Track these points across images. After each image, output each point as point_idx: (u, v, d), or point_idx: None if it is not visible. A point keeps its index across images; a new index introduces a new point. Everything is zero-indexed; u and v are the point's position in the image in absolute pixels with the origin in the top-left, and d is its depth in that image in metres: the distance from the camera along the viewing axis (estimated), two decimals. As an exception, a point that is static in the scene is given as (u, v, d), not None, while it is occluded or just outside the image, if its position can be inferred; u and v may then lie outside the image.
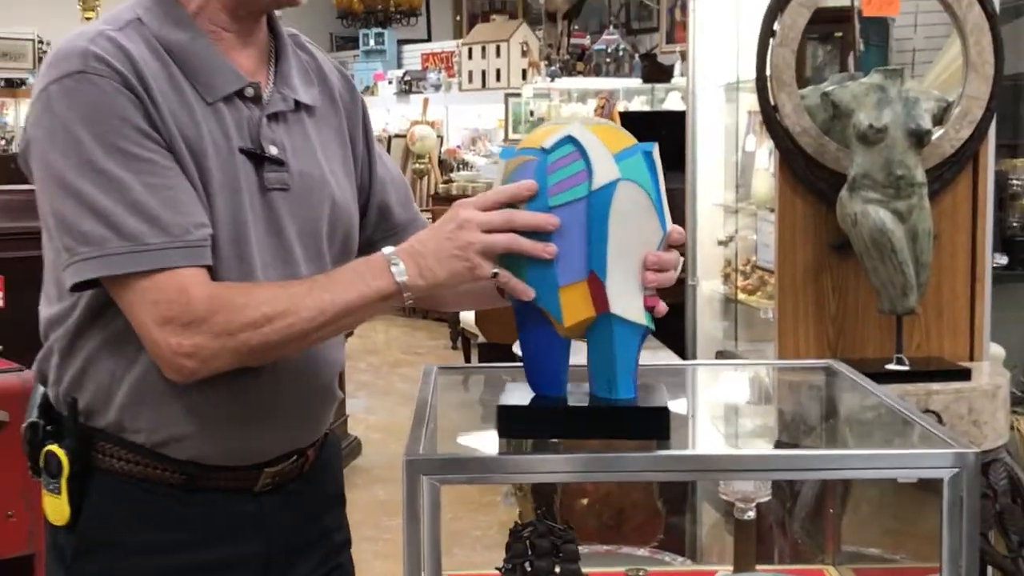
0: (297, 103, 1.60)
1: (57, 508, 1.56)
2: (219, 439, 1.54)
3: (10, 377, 2.89)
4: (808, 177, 2.69)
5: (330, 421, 1.73)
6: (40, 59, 11.84)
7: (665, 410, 1.42)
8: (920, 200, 2.53)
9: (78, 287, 1.46)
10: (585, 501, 2.69)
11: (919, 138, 2.50)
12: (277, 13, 1.65)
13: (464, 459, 1.42)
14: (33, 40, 11.80)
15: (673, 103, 8.92)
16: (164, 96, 1.47)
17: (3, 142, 11.32)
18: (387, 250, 1.46)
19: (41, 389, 1.62)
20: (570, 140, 1.38)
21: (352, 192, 1.69)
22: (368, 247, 1.69)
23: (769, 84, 2.69)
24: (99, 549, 1.57)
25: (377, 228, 1.76)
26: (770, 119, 2.70)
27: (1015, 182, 3.16)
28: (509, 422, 1.44)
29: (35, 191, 1.52)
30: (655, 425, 1.42)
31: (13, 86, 11.43)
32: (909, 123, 2.49)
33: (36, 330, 3.34)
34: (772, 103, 2.69)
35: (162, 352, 1.43)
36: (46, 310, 1.59)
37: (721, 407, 1.82)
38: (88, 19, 6.65)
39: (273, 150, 1.54)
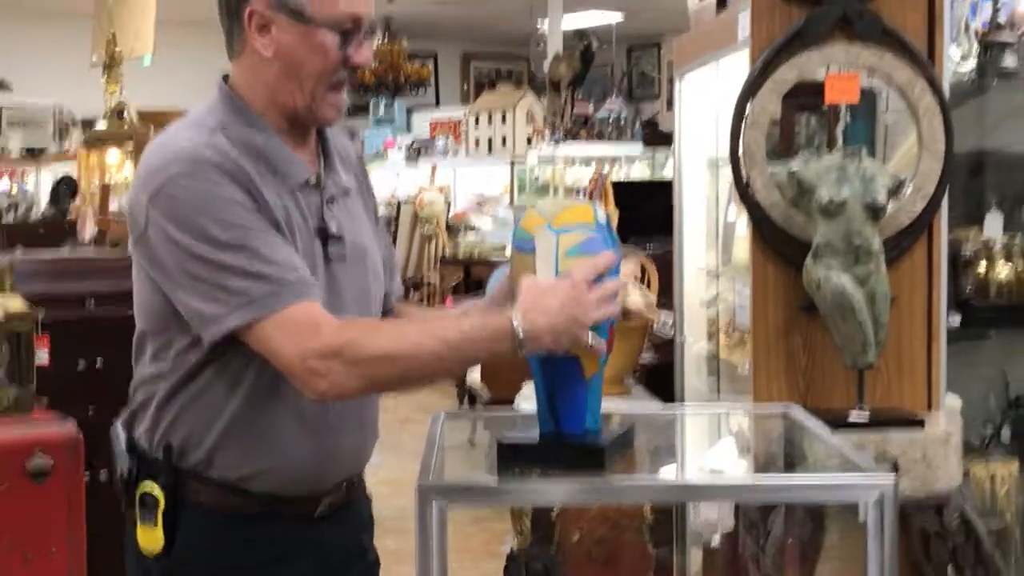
0: (344, 188, 1.92)
1: (152, 538, 1.84)
2: (292, 473, 1.84)
3: (54, 427, 3.17)
4: (778, 245, 2.98)
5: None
6: (60, 129, 12.19)
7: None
8: (877, 266, 2.82)
9: (220, 342, 1.74)
10: (576, 537, 2.95)
11: (875, 211, 2.80)
12: None
13: (467, 486, 1.71)
14: (53, 110, 12.14)
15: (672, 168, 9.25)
16: (261, 184, 1.77)
17: (24, 208, 11.63)
18: (516, 320, 1.70)
19: (123, 435, 1.90)
20: (606, 219, 1.75)
21: (381, 259, 1.99)
22: None
23: (742, 161, 2.99)
24: (189, 572, 1.85)
25: None
26: (743, 193, 3.00)
27: (969, 250, 3.45)
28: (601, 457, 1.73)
29: (155, 277, 1.82)
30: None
31: (34, 154, 11.76)
32: (865, 197, 2.79)
33: (76, 384, 3.66)
34: (744, 179, 2.99)
35: (299, 374, 1.70)
36: (145, 369, 1.88)
37: (689, 445, 2.10)
38: (112, 92, 6.85)
39: (334, 228, 1.85)
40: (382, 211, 12.68)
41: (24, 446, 3.02)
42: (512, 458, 1.77)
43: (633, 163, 10.86)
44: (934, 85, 2.95)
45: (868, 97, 3.68)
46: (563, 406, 1.75)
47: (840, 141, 3.48)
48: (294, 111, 1.85)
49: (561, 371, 1.74)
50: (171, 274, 1.76)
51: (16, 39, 12.60)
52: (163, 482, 1.83)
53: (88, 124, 11.74)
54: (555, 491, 1.73)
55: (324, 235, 1.85)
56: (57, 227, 9.86)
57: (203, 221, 1.72)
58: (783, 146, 3.64)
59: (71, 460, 3.12)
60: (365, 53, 1.84)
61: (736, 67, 3.17)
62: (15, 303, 3.11)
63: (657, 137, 11.39)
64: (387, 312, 2.06)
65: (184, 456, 1.84)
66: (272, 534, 1.87)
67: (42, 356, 3.33)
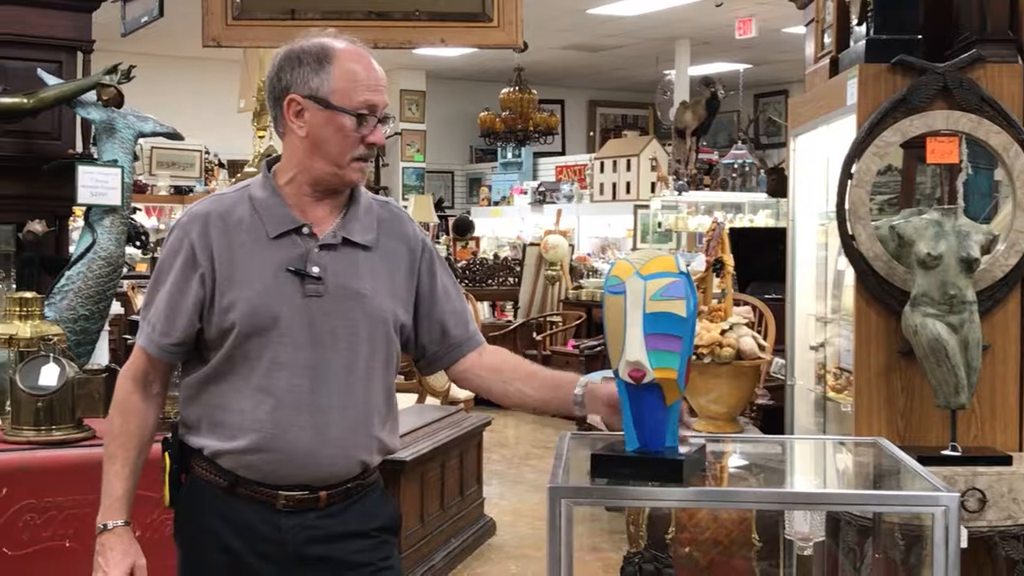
0: (345, 240, 2.29)
1: (167, 493, 2.33)
2: (241, 458, 2.25)
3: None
4: (880, 294, 3.23)
5: (346, 479, 2.30)
6: (206, 168, 12.88)
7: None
8: (971, 315, 3.06)
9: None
10: (687, 550, 3.22)
11: (969, 265, 3.04)
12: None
13: (590, 488, 2.02)
14: (200, 151, 12.80)
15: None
16: (235, 235, 2.25)
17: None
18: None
19: None
20: (687, 268, 2.06)
21: (392, 303, 2.34)
22: (434, 359, 2.43)
23: (847, 216, 3.26)
24: (183, 524, 2.34)
25: (440, 343, 2.42)
26: (848, 246, 3.26)
27: (1062, 302, 3.64)
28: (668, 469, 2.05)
29: None
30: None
31: (182, 193, 12.43)
32: (960, 252, 3.04)
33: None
34: (850, 233, 3.25)
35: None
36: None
37: (789, 466, 2.38)
38: (261, 137, 7.35)
39: (315, 270, 2.24)
40: (507, 253, 13.14)
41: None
42: (603, 467, 2.07)
43: (758, 211, 11.01)
44: (1029, 149, 3.18)
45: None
46: (646, 427, 2.05)
47: (960, 194, 3.71)
48: (319, 178, 2.27)
49: (645, 398, 2.04)
50: None
51: (167, 81, 13.31)
52: (171, 453, 2.32)
53: (234, 165, 12.41)
54: (664, 495, 2.03)
55: (301, 274, 2.25)
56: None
57: (163, 255, 2.30)
58: (904, 197, 3.88)
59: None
60: (378, 134, 2.26)
61: (844, 129, 3.43)
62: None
63: (782, 185, 11.49)
64: (463, 357, 2.42)
65: (186, 433, 2.31)
66: (239, 512, 2.26)
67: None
